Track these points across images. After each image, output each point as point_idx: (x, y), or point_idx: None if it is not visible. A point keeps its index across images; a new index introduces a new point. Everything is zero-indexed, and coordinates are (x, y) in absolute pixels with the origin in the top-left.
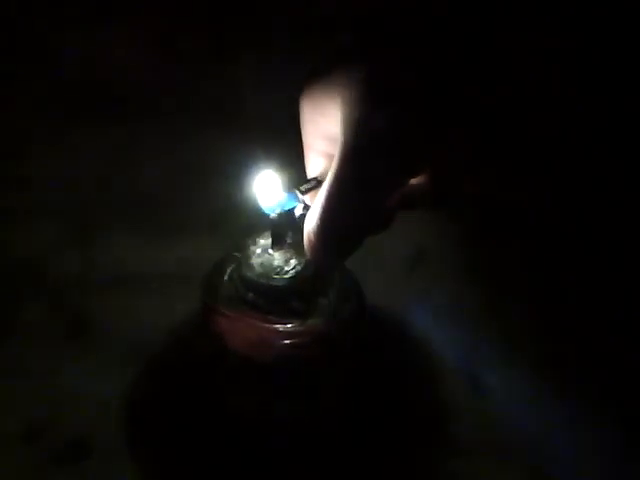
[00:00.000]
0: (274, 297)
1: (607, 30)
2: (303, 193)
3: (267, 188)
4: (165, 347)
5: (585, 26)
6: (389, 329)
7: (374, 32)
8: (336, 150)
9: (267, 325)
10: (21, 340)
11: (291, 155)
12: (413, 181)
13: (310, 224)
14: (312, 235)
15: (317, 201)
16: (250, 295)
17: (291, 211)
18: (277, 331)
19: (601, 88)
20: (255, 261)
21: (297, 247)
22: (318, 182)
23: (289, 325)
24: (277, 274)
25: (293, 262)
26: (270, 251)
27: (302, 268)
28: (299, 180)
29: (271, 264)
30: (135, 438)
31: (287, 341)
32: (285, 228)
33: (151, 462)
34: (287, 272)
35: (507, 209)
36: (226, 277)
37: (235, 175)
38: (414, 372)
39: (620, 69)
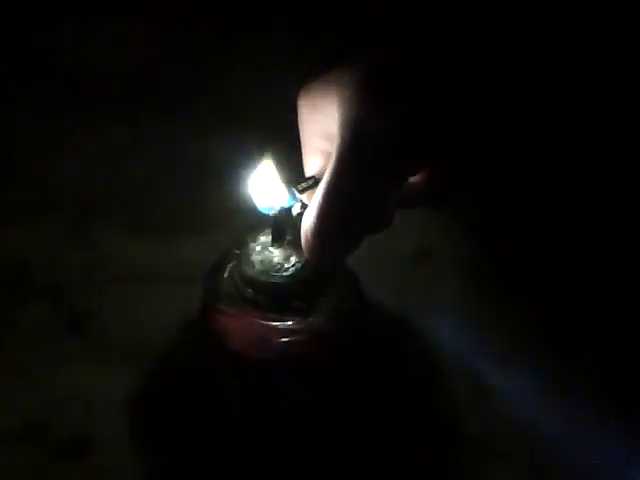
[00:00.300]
0: (274, 295)
1: (607, 30)
2: (301, 192)
3: (265, 186)
4: (165, 345)
5: (585, 26)
6: (389, 327)
7: (374, 32)
8: (333, 149)
9: (267, 323)
10: (21, 339)
11: (291, 155)
12: (413, 180)
13: (307, 223)
14: (309, 234)
15: (314, 200)
16: (250, 293)
17: (289, 209)
18: (277, 329)
19: (601, 88)
20: (255, 258)
21: (297, 244)
22: (316, 181)
23: (289, 323)
24: (277, 271)
25: (293, 259)
26: (270, 248)
27: (302, 266)
28: (297, 178)
29: (271, 261)
30: (136, 437)
31: (287, 339)
32: (285, 225)
33: (152, 460)
34: (287, 269)
35: (508, 208)
36: (226, 275)
37: (235, 174)
38: (415, 371)
39: (620, 69)
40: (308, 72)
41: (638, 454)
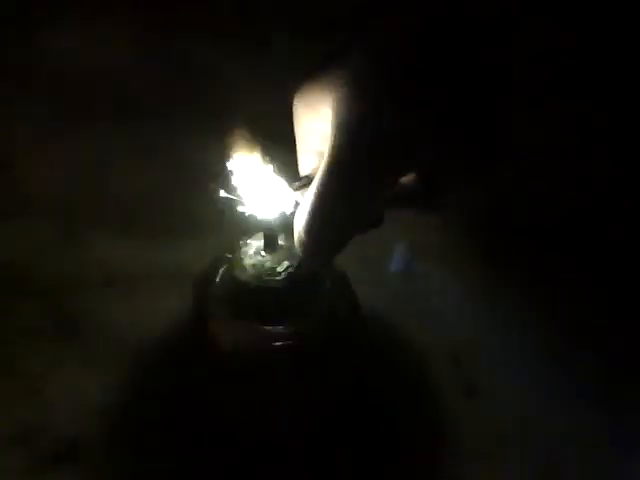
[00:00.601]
0: (266, 299)
1: (607, 30)
2: (295, 190)
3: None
4: (158, 349)
5: (585, 26)
6: (383, 330)
7: (370, 32)
8: (326, 148)
9: (259, 327)
10: (12, 342)
11: (289, 156)
12: (405, 180)
13: (300, 221)
14: (302, 232)
15: (306, 198)
16: (242, 297)
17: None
18: (270, 333)
19: (601, 87)
20: (247, 262)
21: (289, 249)
22: (310, 180)
23: (281, 327)
24: (269, 276)
25: (285, 264)
26: (262, 253)
27: (294, 269)
28: (292, 178)
29: (263, 266)
30: (127, 440)
31: (279, 343)
32: (277, 230)
33: (143, 464)
34: (279, 274)
35: (505, 209)
36: (218, 279)
37: (229, 177)
38: (409, 374)
39: (621, 69)
40: (304, 71)
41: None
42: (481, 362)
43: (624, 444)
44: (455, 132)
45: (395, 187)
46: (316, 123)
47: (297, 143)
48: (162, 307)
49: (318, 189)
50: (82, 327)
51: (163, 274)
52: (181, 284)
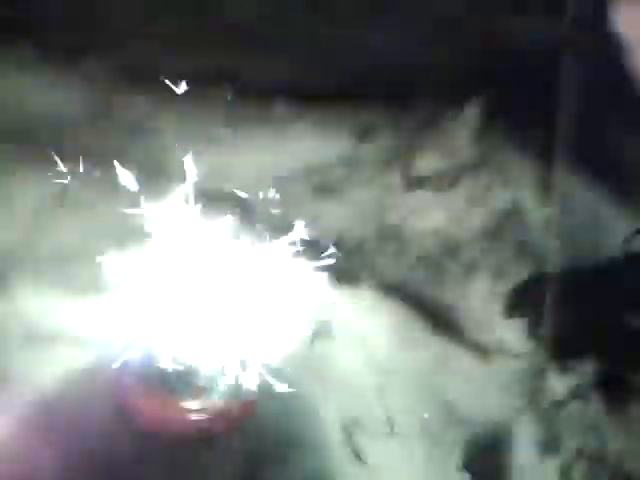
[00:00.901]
0: (179, 376)
1: None
2: None
3: None
4: (76, 406)
5: None
6: (284, 402)
7: None
8: None
9: (172, 402)
10: None
11: None
12: None
13: None
14: None
15: None
16: (158, 372)
17: None
18: (181, 409)
19: None
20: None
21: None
22: None
23: (192, 403)
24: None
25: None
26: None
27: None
28: None
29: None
30: None
31: (190, 418)
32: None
33: None
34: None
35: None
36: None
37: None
38: (304, 442)
39: None
40: None
41: None
42: (370, 434)
43: None
44: None
45: None
46: None
47: None
48: (84, 363)
49: None
50: (4, 380)
51: (85, 335)
52: (101, 342)
